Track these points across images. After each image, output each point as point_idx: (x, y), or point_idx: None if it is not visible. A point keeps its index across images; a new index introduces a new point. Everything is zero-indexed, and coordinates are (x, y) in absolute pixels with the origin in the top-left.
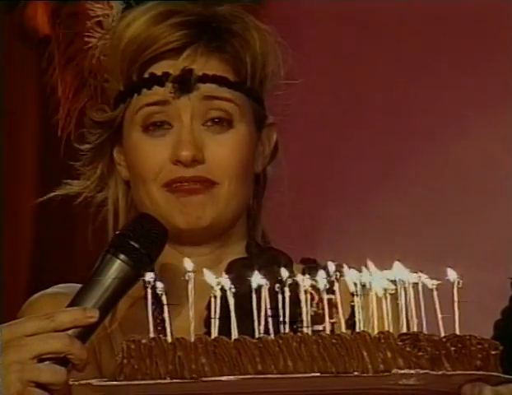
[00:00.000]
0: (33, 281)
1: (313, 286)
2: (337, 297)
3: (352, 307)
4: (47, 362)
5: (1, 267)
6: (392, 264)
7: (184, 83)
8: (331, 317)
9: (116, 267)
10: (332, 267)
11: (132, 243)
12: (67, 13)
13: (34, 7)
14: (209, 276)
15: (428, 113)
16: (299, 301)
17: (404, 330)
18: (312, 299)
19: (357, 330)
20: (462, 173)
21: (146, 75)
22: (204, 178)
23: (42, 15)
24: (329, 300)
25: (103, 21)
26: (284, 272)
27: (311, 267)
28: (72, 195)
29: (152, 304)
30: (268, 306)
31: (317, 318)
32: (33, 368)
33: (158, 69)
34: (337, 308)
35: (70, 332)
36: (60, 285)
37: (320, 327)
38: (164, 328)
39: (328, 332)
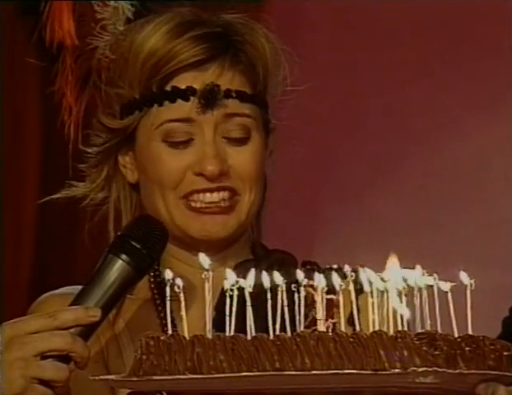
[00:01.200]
0: (34, 281)
1: (312, 287)
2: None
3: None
4: (49, 359)
5: (2, 267)
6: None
7: (211, 99)
8: (332, 317)
9: (118, 267)
10: (347, 268)
11: (134, 243)
12: (75, 14)
13: (59, 10)
14: (230, 276)
15: (424, 115)
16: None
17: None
18: (313, 300)
19: (374, 329)
20: (457, 173)
21: (168, 87)
22: (227, 187)
23: (68, 18)
24: (329, 300)
25: (106, 24)
26: (300, 274)
27: (312, 270)
28: (77, 197)
29: (159, 304)
30: (285, 305)
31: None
32: (36, 365)
33: (181, 82)
34: (338, 308)
35: (72, 330)
36: (68, 286)
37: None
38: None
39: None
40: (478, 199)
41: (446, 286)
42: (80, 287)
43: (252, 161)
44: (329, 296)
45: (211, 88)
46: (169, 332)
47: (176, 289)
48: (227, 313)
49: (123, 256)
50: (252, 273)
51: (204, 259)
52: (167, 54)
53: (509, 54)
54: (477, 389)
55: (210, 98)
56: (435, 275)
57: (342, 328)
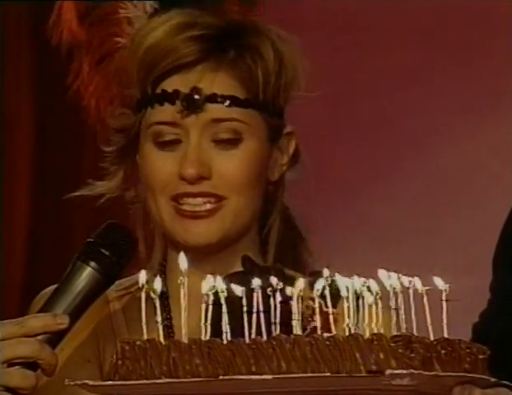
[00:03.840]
0: (28, 280)
1: (312, 299)
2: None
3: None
4: (17, 367)
5: None
6: (381, 268)
7: (193, 103)
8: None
9: (86, 274)
10: (326, 272)
11: (103, 250)
12: (99, 14)
13: (60, 10)
14: (208, 281)
15: (416, 120)
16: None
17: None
18: (313, 312)
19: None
20: (449, 178)
21: (158, 90)
22: (210, 194)
23: (71, 18)
24: (328, 315)
25: (134, 23)
26: (273, 280)
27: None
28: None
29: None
30: (261, 309)
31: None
32: (3, 372)
33: (170, 85)
34: (336, 322)
35: (40, 337)
36: None
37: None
38: (171, 331)
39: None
40: (470, 203)
41: (421, 288)
42: None
43: (240, 166)
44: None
45: (192, 91)
46: (145, 336)
47: (152, 294)
48: (202, 320)
49: (92, 263)
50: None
51: (183, 260)
52: (161, 52)
53: (500, 58)
54: (452, 391)
55: (191, 101)
56: (411, 278)
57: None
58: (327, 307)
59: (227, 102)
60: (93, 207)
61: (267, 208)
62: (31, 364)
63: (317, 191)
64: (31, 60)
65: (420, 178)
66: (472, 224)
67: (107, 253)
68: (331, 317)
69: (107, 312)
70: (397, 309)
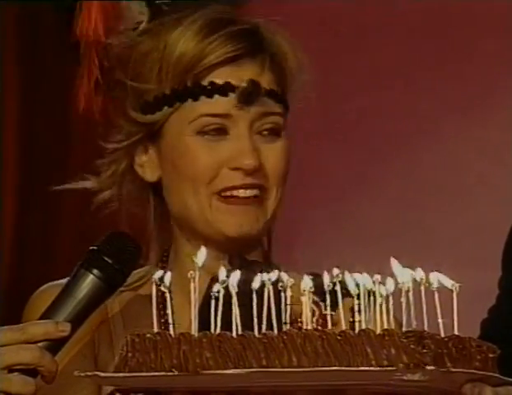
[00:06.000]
0: (13, 282)
1: (315, 302)
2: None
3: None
4: (17, 373)
5: None
6: (370, 266)
7: (250, 96)
8: None
9: (89, 282)
10: (335, 271)
11: (106, 258)
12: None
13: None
14: (221, 274)
15: (403, 119)
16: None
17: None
18: (313, 314)
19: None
20: (436, 177)
21: (204, 82)
22: (261, 186)
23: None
24: (330, 317)
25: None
26: (284, 275)
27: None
28: (56, 194)
29: (159, 302)
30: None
31: None
32: (4, 378)
33: (217, 77)
34: (336, 325)
35: (41, 343)
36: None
37: None
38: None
39: None
40: (457, 202)
41: (447, 282)
42: None
43: (282, 159)
44: (330, 312)
45: (252, 86)
46: (155, 329)
47: (163, 288)
48: (212, 313)
49: (95, 271)
50: (236, 273)
51: (202, 255)
52: (202, 51)
53: (487, 58)
54: (463, 389)
55: (250, 95)
56: (423, 273)
57: None
58: (326, 309)
59: (274, 97)
60: (81, 209)
61: None
62: (31, 371)
63: (304, 189)
64: (17, 61)
65: (407, 177)
66: (458, 223)
67: (110, 261)
68: (328, 318)
69: (104, 307)
70: (408, 305)
